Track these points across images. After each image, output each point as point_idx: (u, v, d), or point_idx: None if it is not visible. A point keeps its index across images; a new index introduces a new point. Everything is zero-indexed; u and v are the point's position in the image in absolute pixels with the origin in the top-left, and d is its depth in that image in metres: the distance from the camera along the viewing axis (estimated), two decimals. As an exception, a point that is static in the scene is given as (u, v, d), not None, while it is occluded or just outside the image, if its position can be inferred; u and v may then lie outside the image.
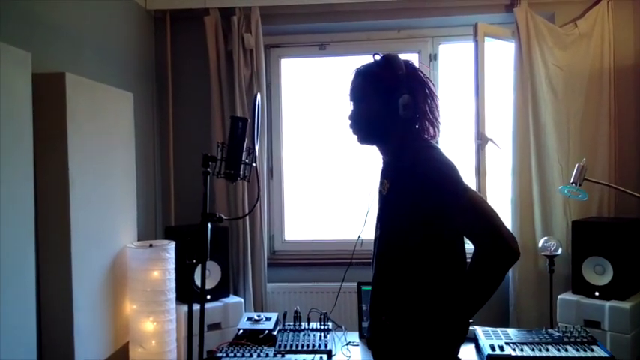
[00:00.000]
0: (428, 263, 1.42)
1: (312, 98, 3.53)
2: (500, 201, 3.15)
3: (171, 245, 2.61)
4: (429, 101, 1.52)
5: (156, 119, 3.29)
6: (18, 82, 1.82)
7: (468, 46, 3.21)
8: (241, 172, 1.53)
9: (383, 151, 1.57)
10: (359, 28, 3.37)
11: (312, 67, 3.55)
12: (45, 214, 2.03)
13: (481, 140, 2.99)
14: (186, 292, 2.79)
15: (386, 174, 1.56)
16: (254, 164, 1.57)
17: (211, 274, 2.91)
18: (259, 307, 3.17)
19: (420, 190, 1.37)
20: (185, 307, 2.75)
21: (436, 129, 1.53)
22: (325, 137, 3.50)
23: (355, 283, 2.42)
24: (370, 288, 1.58)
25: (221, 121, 3.18)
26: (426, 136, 1.53)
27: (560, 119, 3.12)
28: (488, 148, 3.05)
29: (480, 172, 3.01)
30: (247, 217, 3.16)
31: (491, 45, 3.10)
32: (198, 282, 2.84)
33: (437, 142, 1.56)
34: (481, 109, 3.01)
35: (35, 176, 2.00)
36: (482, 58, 3.03)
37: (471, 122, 3.06)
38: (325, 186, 3.56)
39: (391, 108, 1.45)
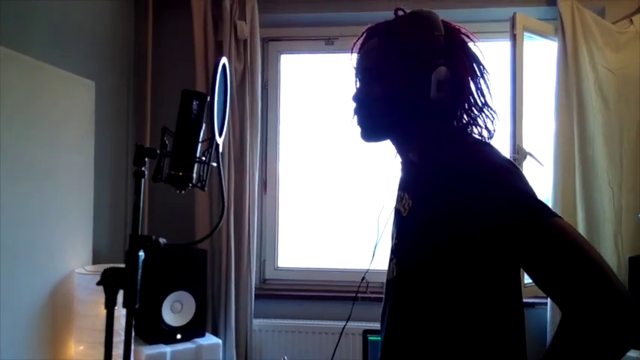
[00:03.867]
0: (476, 324, 0.90)
1: (316, 100, 3.02)
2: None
3: (131, 271, 2.09)
4: (479, 81, 1.03)
5: (130, 116, 2.79)
6: None
7: (502, 45, 2.72)
8: (194, 175, 1.03)
9: (403, 150, 1.07)
10: (372, 19, 2.85)
11: (316, 64, 3.06)
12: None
13: (518, 155, 2.46)
14: (152, 330, 2.28)
15: (407, 185, 1.05)
16: (214, 163, 1.06)
17: (184, 308, 2.38)
18: (242, 349, 2.62)
19: (467, 209, 0.86)
20: (149, 350, 2.23)
21: (491, 122, 1.02)
22: (330, 146, 2.98)
23: (361, 324, 1.89)
24: (380, 342, 1.06)
25: (206, 122, 2.68)
26: (473, 132, 1.03)
27: (612, 132, 2.60)
28: (527, 164, 2.52)
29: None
30: (232, 238, 2.64)
31: (530, 44, 2.60)
32: (167, 318, 2.32)
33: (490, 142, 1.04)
34: (518, 118, 2.49)
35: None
36: (521, 57, 2.52)
37: (506, 133, 2.54)
38: (329, 203, 3.03)
39: (419, 85, 0.97)
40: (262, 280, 2.94)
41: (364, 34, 1.08)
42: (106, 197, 2.47)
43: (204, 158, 1.05)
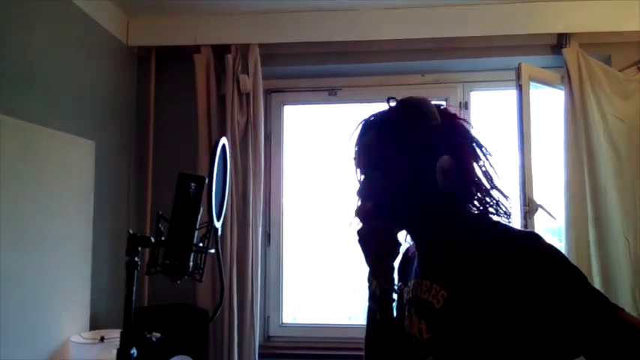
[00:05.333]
0: None
1: (319, 151, 2.98)
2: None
3: (129, 338, 2.00)
4: (483, 164, 1.00)
5: (131, 175, 2.74)
6: None
7: (506, 94, 2.69)
8: (191, 264, 0.96)
9: (420, 239, 1.05)
10: (376, 71, 2.87)
11: (320, 114, 3.03)
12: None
13: (529, 207, 2.39)
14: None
15: (433, 274, 1.00)
16: (211, 250, 0.99)
17: (184, 373, 2.27)
18: (245, 416, 2.50)
19: (531, 294, 0.81)
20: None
21: (507, 208, 0.98)
22: (335, 197, 2.92)
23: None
24: None
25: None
26: (490, 216, 0.98)
27: (624, 182, 2.51)
28: (538, 217, 2.44)
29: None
30: (235, 295, 2.55)
31: (537, 92, 2.56)
32: (166, 384, 2.20)
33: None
34: (527, 169, 2.43)
35: None
36: (528, 107, 2.47)
37: (514, 185, 2.47)
38: (336, 256, 2.94)
39: (425, 177, 0.95)
40: (266, 338, 2.83)
41: (359, 128, 1.04)
42: (104, 259, 2.39)
43: (201, 244, 0.99)
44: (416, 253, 1.08)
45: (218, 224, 1.00)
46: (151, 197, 2.72)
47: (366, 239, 1.02)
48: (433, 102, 1.02)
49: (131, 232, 0.97)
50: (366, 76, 2.90)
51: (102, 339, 1.97)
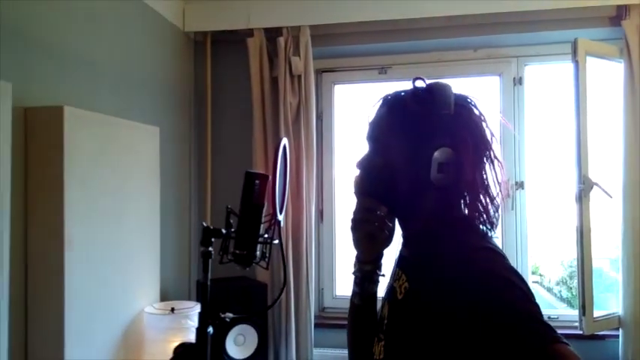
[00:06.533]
0: None
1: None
2: (608, 263, 2.50)
3: (196, 309, 2.18)
4: (487, 166, 0.97)
5: (192, 158, 2.90)
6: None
7: (563, 67, 2.62)
8: (258, 253, 1.07)
9: (403, 225, 1.04)
10: (427, 47, 2.85)
11: (370, 93, 3.07)
12: (35, 282, 1.65)
13: (584, 185, 2.36)
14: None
15: (405, 265, 1.01)
16: (275, 241, 1.09)
17: (246, 341, 2.45)
18: (303, 381, 2.66)
19: (468, 319, 0.80)
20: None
21: (492, 217, 0.96)
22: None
23: None
24: None
25: (264, 158, 2.75)
26: (475, 224, 0.96)
27: (687, 158, 2.44)
28: (594, 195, 2.41)
29: (584, 227, 2.37)
30: (291, 269, 2.69)
31: (593, 65, 2.49)
32: (230, 350, 2.39)
33: (492, 238, 0.97)
34: (583, 147, 2.39)
35: (26, 235, 1.64)
36: (584, 83, 2.42)
37: (568, 163, 2.44)
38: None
39: (420, 164, 0.93)
40: (321, 309, 2.97)
41: (380, 101, 1.04)
42: (171, 239, 2.59)
43: (266, 236, 1.09)
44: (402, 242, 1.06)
45: (280, 217, 1.10)
46: (210, 178, 2.86)
47: (357, 218, 1.02)
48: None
49: (205, 224, 1.08)
50: (417, 53, 2.89)
51: (172, 310, 2.16)
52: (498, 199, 0.97)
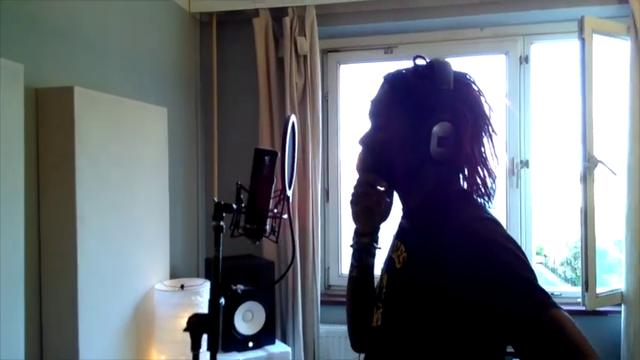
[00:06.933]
0: None
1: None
2: (612, 244, 2.53)
3: (205, 286, 2.23)
4: (485, 141, 1.00)
5: (199, 137, 2.93)
6: (6, 99, 1.48)
7: (569, 45, 2.62)
8: (268, 227, 1.10)
9: (403, 200, 1.07)
10: (432, 26, 2.84)
11: (376, 73, 3.06)
12: (48, 260, 1.70)
13: (589, 163, 2.38)
14: (226, 338, 2.41)
15: (404, 237, 1.04)
16: (285, 216, 1.12)
17: (254, 317, 2.50)
18: (310, 355, 2.72)
19: (466, 287, 0.83)
20: (223, 358, 2.37)
21: (490, 189, 0.99)
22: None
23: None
24: None
25: (270, 137, 2.78)
26: (473, 197, 0.99)
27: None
28: (598, 172, 2.42)
29: (588, 206, 2.39)
30: (298, 247, 2.73)
31: (599, 43, 2.48)
32: (239, 327, 2.45)
33: (489, 209, 1.00)
34: (589, 125, 2.40)
35: (39, 213, 1.68)
36: (590, 61, 2.42)
37: (573, 141, 2.45)
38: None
39: (421, 138, 0.96)
40: (327, 286, 3.03)
41: (381, 82, 1.07)
42: (179, 217, 2.64)
43: (275, 210, 1.12)
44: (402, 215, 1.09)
45: (289, 192, 1.12)
46: (217, 158, 2.89)
47: (357, 192, 1.07)
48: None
49: (216, 200, 1.11)
50: (423, 32, 2.89)
51: (182, 287, 2.21)
52: (496, 172, 1.00)
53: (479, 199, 0.99)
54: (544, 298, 0.81)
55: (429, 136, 0.95)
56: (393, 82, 1.03)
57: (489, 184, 0.99)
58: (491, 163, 1.00)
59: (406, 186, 1.03)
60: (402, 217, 1.07)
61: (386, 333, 0.99)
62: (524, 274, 0.82)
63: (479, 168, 0.98)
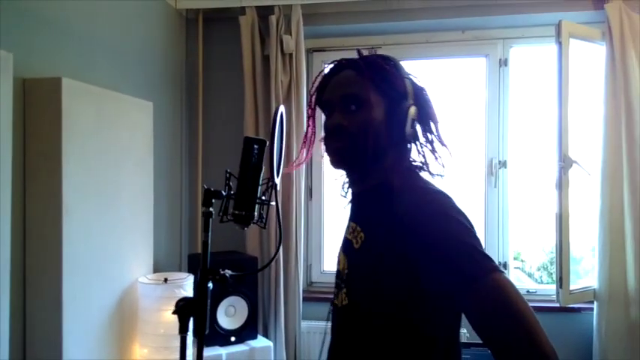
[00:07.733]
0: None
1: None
2: (585, 238, 2.61)
3: (189, 280, 2.24)
4: (436, 126, 1.09)
5: (184, 132, 2.94)
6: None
7: (546, 49, 2.70)
8: (256, 214, 1.13)
9: (359, 182, 1.10)
10: (416, 28, 2.91)
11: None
12: (33, 250, 1.70)
13: (564, 163, 2.46)
14: (208, 333, 2.41)
15: (359, 218, 1.09)
16: (272, 203, 1.16)
17: (237, 312, 2.52)
18: (292, 351, 2.75)
19: (419, 258, 0.91)
20: (206, 352, 2.37)
21: (443, 166, 1.09)
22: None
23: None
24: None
25: (255, 134, 2.80)
26: (426, 173, 1.09)
27: (663, 139, 2.54)
28: (573, 172, 2.51)
29: (563, 206, 2.47)
30: (281, 244, 2.76)
31: (576, 47, 2.57)
32: (222, 321, 2.46)
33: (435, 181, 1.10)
34: (564, 126, 2.48)
35: (24, 202, 1.68)
36: (567, 64, 2.50)
37: (550, 142, 2.53)
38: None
39: (398, 119, 1.03)
40: (309, 283, 3.06)
41: (336, 65, 1.11)
42: (163, 211, 2.64)
43: (264, 198, 1.15)
44: (353, 196, 1.14)
45: (277, 180, 1.16)
46: (201, 155, 2.91)
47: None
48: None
49: (205, 187, 1.14)
50: (406, 33, 2.95)
51: (165, 280, 2.22)
52: (451, 149, 1.09)
53: (430, 174, 1.08)
54: (487, 263, 0.87)
55: (405, 119, 1.02)
56: (366, 67, 1.05)
57: (439, 162, 1.08)
58: (438, 146, 1.09)
59: (375, 165, 1.05)
60: (355, 199, 1.13)
61: (353, 310, 1.04)
62: (469, 241, 0.90)
63: (435, 147, 1.07)
